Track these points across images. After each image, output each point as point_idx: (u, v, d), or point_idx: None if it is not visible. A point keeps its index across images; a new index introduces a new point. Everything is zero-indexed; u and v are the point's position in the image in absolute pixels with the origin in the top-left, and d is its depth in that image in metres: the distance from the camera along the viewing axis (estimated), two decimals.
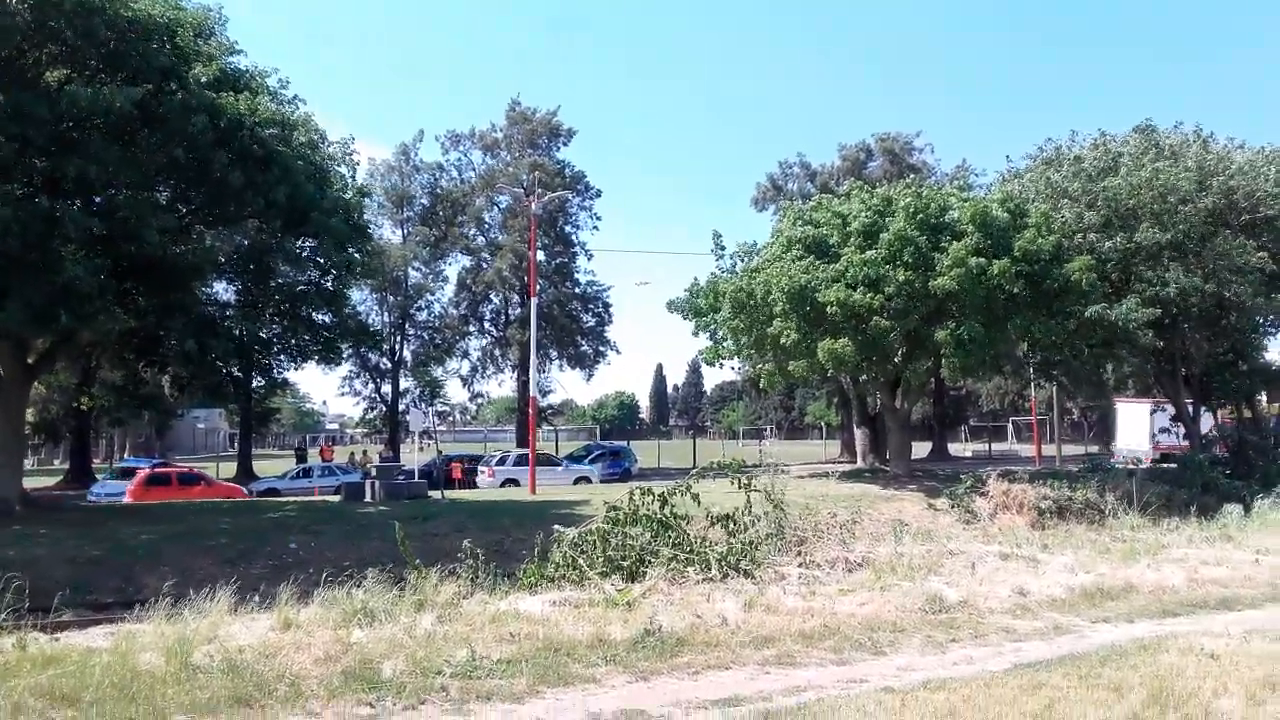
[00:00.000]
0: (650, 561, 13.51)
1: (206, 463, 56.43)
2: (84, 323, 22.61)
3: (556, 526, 15.07)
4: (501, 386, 68.03)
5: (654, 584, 12.42)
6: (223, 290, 37.91)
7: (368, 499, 29.25)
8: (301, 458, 51.63)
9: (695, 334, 35.64)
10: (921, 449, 54.70)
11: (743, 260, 34.35)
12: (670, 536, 14.19)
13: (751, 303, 30.39)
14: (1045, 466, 38.60)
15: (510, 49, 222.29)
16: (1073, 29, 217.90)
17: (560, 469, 40.24)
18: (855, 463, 47.00)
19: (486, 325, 60.95)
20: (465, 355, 61.10)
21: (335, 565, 16.21)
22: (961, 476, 29.07)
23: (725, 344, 34.56)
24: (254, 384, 39.97)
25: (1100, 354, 32.42)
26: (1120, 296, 30.99)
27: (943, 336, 28.17)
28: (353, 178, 31.45)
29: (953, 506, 26.82)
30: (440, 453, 45.98)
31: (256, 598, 11.26)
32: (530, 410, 38.77)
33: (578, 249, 59.29)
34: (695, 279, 35.57)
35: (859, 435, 49.72)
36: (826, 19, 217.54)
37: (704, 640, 10.10)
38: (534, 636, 9.80)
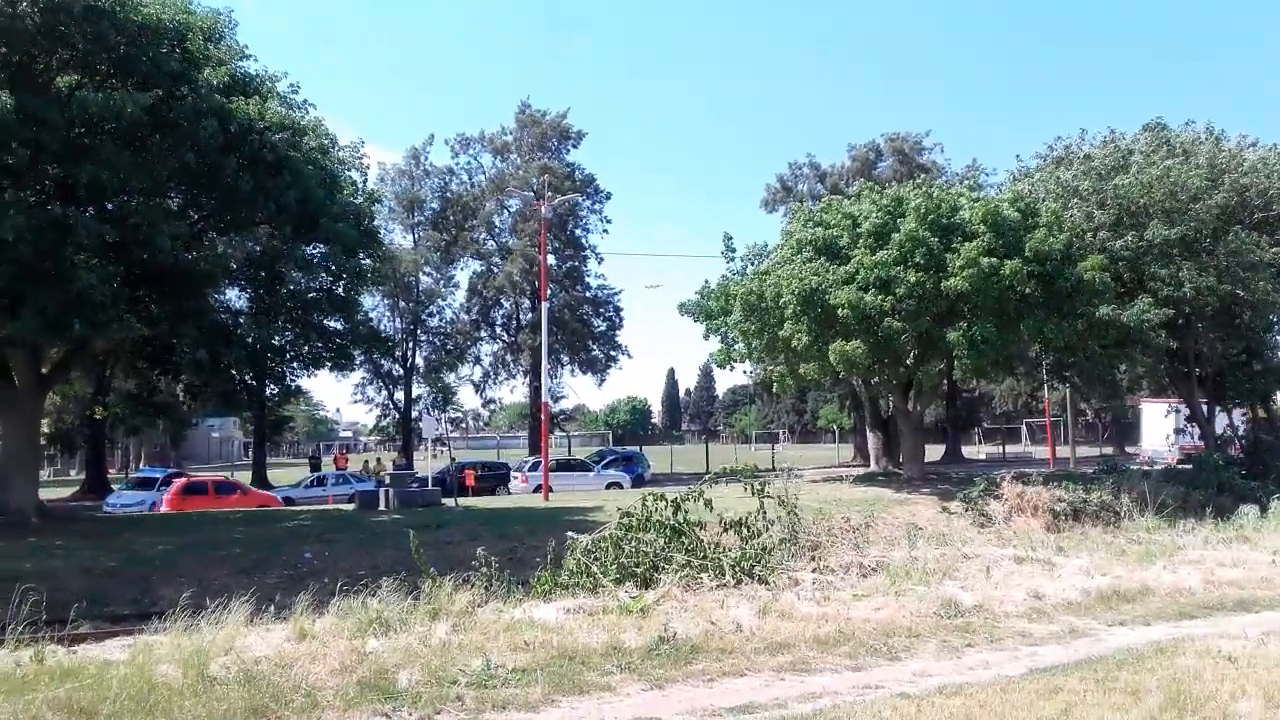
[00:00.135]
0: (664, 568, 13.49)
1: (221, 472, 56.67)
2: (98, 331, 22.66)
3: (570, 533, 15.06)
4: (514, 392, 68.32)
5: (668, 590, 12.41)
6: (235, 297, 38.04)
7: (381, 507, 29.28)
8: (315, 466, 51.71)
9: (706, 337, 35.63)
10: (935, 452, 54.63)
11: (753, 262, 34.34)
12: (683, 542, 14.17)
13: (762, 305, 30.37)
14: (1060, 468, 38.47)
15: (517, 51, 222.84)
16: (1081, 27, 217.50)
17: (592, 474, 40.31)
18: (868, 466, 46.92)
19: (498, 330, 61.09)
20: (477, 361, 61.31)
21: (350, 574, 16.25)
22: (975, 479, 28.95)
23: (736, 347, 34.54)
24: (267, 391, 40.04)
25: (1113, 355, 32.28)
26: (1132, 296, 30.88)
27: (955, 337, 28.08)
28: (363, 182, 31.52)
29: (967, 510, 26.69)
30: (453, 460, 46.03)
31: (272, 608, 11.28)
32: (542, 416, 38.78)
33: (588, 252, 59.45)
34: (706, 281, 35.59)
35: (872, 439, 49.66)
36: (835, 19, 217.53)
37: (718, 647, 10.08)
38: (548, 645, 9.80)
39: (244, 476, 47.51)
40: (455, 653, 9.42)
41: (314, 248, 30.89)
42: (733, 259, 35.35)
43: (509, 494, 39.05)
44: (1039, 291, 28.77)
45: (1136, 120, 54.21)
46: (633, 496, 16.54)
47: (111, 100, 20.99)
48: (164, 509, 33.35)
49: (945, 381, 44.83)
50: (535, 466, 40.72)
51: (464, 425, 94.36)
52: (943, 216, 29.50)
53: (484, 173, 60.76)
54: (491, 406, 68.83)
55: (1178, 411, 41.94)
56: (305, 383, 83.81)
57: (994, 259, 27.69)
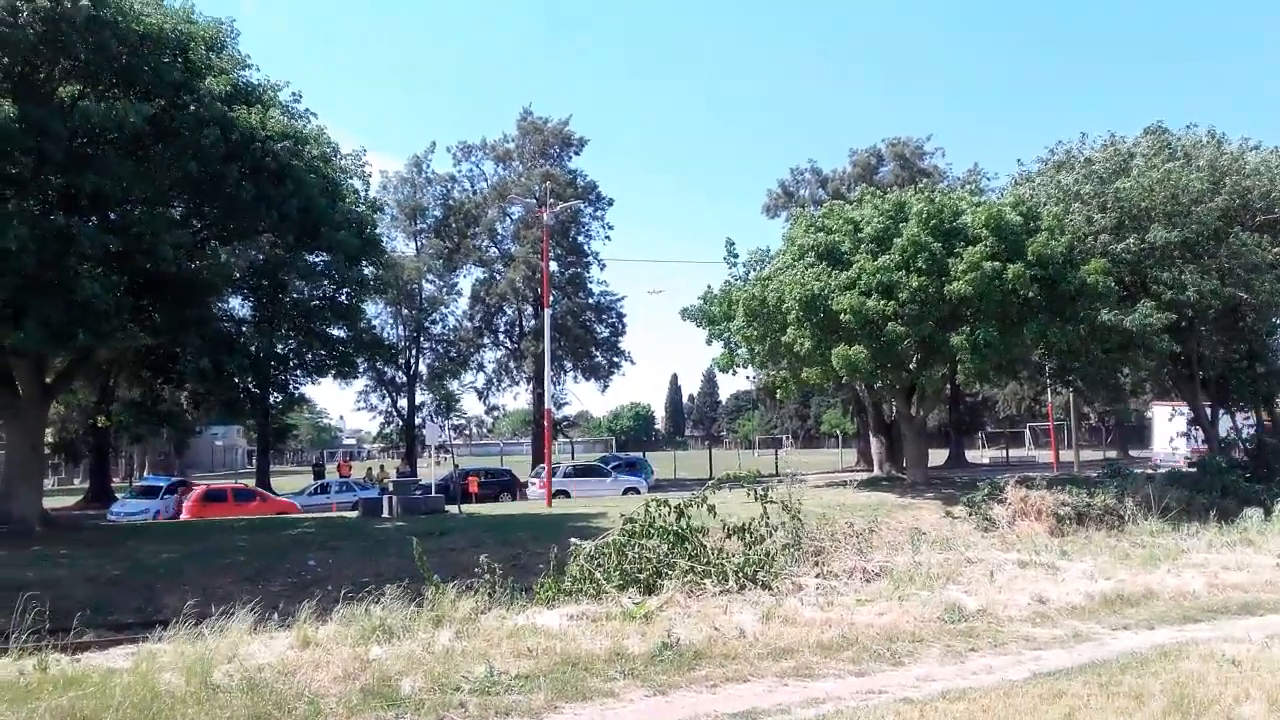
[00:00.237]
0: (667, 574, 13.49)
1: (225, 480, 56.69)
2: (101, 341, 22.72)
3: (573, 540, 15.06)
4: (517, 399, 68.16)
5: (671, 596, 12.41)
6: (238, 306, 38.16)
7: (385, 514, 29.25)
8: (319, 474, 51.73)
9: (709, 342, 35.71)
10: (938, 456, 54.56)
11: (756, 268, 34.39)
12: (687, 548, 14.16)
13: (765, 310, 30.39)
14: (1063, 472, 38.43)
15: (519, 58, 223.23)
16: (1081, 30, 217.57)
17: (609, 480, 40.30)
18: (871, 471, 46.90)
19: (501, 337, 61.10)
20: (480, 368, 61.28)
21: (353, 582, 16.27)
22: (979, 484, 28.97)
23: (739, 352, 34.56)
24: (271, 399, 40.10)
25: (1116, 359, 32.26)
26: (1134, 300, 30.87)
27: (958, 342, 28.06)
28: (365, 191, 31.54)
29: (970, 514, 26.68)
30: (457, 467, 46.03)
31: (276, 615, 11.28)
32: (546, 422, 38.78)
33: (590, 259, 59.38)
34: (709, 287, 35.68)
35: (875, 443, 49.63)
36: (836, 24, 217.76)
37: (722, 653, 10.08)
38: (551, 651, 9.80)
39: (248, 484, 47.58)
40: (458, 659, 9.42)
41: (316, 256, 30.95)
42: (735, 264, 35.45)
43: (513, 500, 39.02)
44: (1042, 295, 28.77)
45: (1138, 123, 54.43)
46: (631, 503, 16.55)
47: (114, 110, 21.06)
48: (185, 516, 33.56)
49: (948, 386, 44.84)
50: (553, 473, 40.80)
51: (467, 432, 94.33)
52: (945, 221, 29.51)
53: (486, 180, 60.84)
54: (495, 413, 68.95)
55: (1183, 414, 41.86)
56: (308, 390, 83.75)
57: (997, 263, 27.69)
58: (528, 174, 58.10)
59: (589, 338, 59.18)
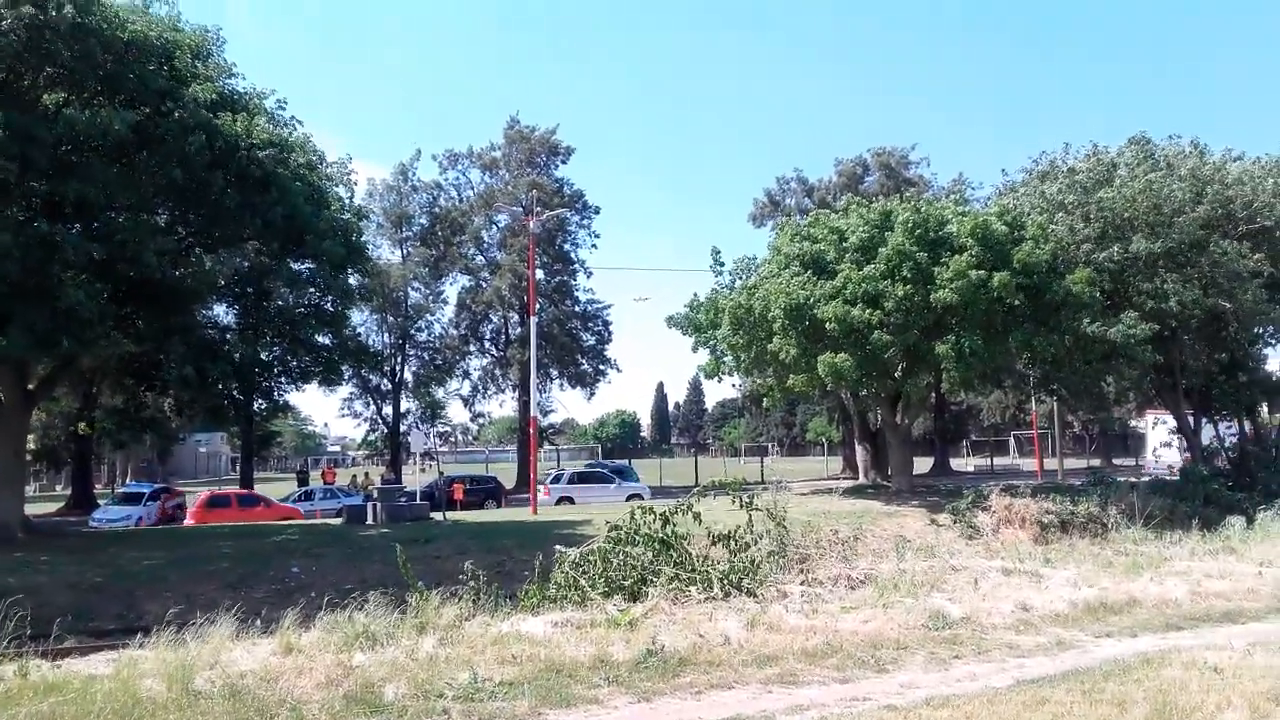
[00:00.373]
0: (652, 581, 13.46)
1: (208, 487, 56.41)
2: (85, 348, 22.64)
3: (558, 547, 15.03)
4: (502, 406, 68.12)
5: (656, 603, 12.39)
6: (223, 313, 38.04)
7: (369, 521, 29.18)
8: (303, 481, 51.55)
9: (695, 349, 35.67)
10: (923, 464, 54.69)
11: (742, 276, 34.41)
12: (672, 555, 14.14)
13: (751, 319, 30.42)
14: (1047, 481, 38.54)
15: (505, 67, 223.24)
16: (1066, 42, 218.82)
17: (613, 486, 40.28)
18: (857, 479, 46.98)
19: (487, 345, 61.04)
20: (466, 375, 61.21)
21: (337, 588, 16.22)
22: (964, 492, 29.03)
23: (725, 359, 34.58)
24: (255, 406, 39.97)
25: (1099, 369, 32.36)
26: (1118, 310, 30.98)
27: (944, 350, 28.11)
28: (350, 198, 31.46)
29: (955, 522, 26.75)
30: (442, 474, 45.94)
31: (259, 622, 11.23)
32: (531, 430, 38.75)
33: (577, 267, 59.44)
34: (695, 295, 35.65)
35: (860, 451, 49.74)
36: (822, 34, 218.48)
37: (707, 660, 10.08)
38: (536, 658, 9.78)
39: (252, 490, 47.39)
40: (442, 666, 9.39)
41: (302, 264, 30.86)
42: (721, 273, 35.47)
43: (498, 507, 38.96)
44: (1027, 304, 28.88)
45: (1122, 134, 54.75)
46: (617, 510, 16.55)
47: (98, 117, 20.98)
48: (189, 521, 33.60)
49: (933, 394, 44.94)
50: (558, 479, 40.81)
51: (452, 439, 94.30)
52: (930, 230, 29.58)
53: (473, 188, 60.82)
54: (480, 421, 68.84)
55: (1164, 423, 42.00)
56: (293, 397, 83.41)
57: (983, 272, 27.77)
58: (514, 182, 58.08)
59: (575, 345, 59.20)
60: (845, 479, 49.82)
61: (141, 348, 26.69)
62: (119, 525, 33.60)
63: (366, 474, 52.77)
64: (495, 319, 60.13)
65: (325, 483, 46.19)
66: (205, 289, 28.04)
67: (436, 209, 59.66)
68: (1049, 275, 29.37)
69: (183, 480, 67.64)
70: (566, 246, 59.26)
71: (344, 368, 40.05)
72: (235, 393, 35.37)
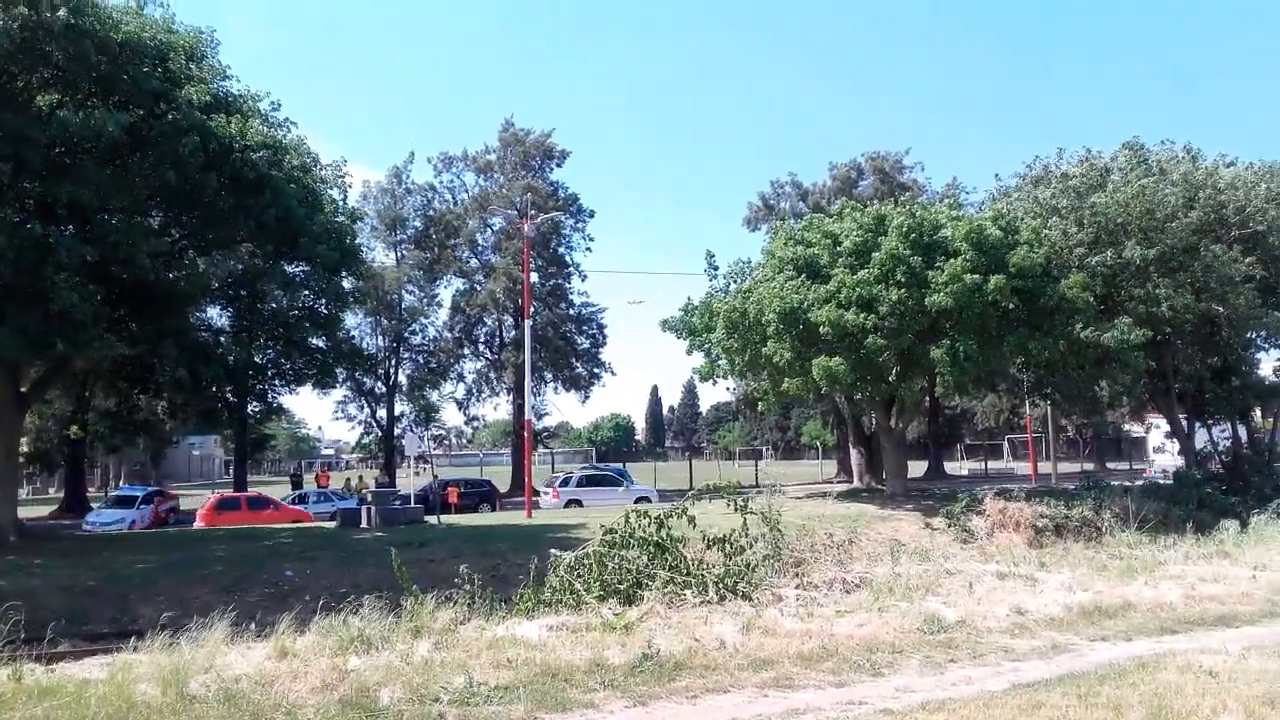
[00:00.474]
0: (647, 584, 13.45)
1: (202, 490, 56.35)
2: (79, 350, 22.57)
3: (553, 550, 15.01)
4: (497, 410, 68.21)
5: (651, 607, 12.37)
6: (216, 316, 37.98)
7: (363, 525, 29.10)
8: (297, 484, 51.36)
9: (690, 353, 35.68)
10: (917, 468, 54.77)
11: (736, 280, 34.43)
12: (667, 559, 14.13)
13: (745, 323, 30.45)
14: (1041, 484, 38.60)
15: (500, 68, 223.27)
16: (1062, 49, 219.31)
17: (621, 489, 40.21)
18: (851, 482, 46.98)
19: (481, 348, 60.94)
20: (460, 378, 61.14)
21: (331, 592, 16.19)
22: (958, 495, 29.06)
23: (720, 363, 34.58)
24: (249, 409, 39.90)
25: (1093, 374, 32.40)
26: (1112, 315, 31.02)
27: (938, 355, 28.13)
28: (344, 201, 31.40)
29: (949, 526, 26.77)
30: (436, 477, 45.88)
31: (253, 626, 11.19)
32: (526, 433, 38.71)
33: (571, 270, 59.43)
34: (689, 298, 35.69)
35: (855, 455, 49.73)
36: (816, 39, 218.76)
37: (702, 663, 10.06)
38: (531, 662, 9.75)
39: (262, 493, 47.31)
40: (437, 670, 9.36)
41: (295, 266, 30.80)
42: (715, 276, 35.48)
43: (492, 511, 38.91)
44: (1022, 308, 28.92)
45: (1116, 140, 54.68)
46: (611, 514, 16.52)
47: (92, 120, 20.94)
48: (199, 524, 33.64)
49: (927, 398, 44.97)
50: (566, 482, 40.73)
51: (447, 442, 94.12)
52: (925, 235, 29.61)
53: (467, 191, 60.84)
54: (475, 424, 68.77)
55: (1202, 426, 41.91)
56: (287, 400, 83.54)
57: (978, 276, 27.80)
58: (509, 185, 58.07)
59: (569, 349, 59.15)
60: (840, 483, 49.83)
61: (135, 350, 26.62)
62: (112, 528, 33.45)
63: (360, 477, 52.73)
64: (489, 322, 60.10)
65: (319, 486, 46.08)
66: (199, 291, 27.99)
67: (431, 212, 59.65)
68: (1043, 279, 29.45)
69: (176, 483, 67.60)
70: (561, 250, 59.24)
71: (338, 371, 39.94)
72: (229, 395, 35.31)
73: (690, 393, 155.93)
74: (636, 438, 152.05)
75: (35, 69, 22.17)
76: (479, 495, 41.19)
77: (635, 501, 35.28)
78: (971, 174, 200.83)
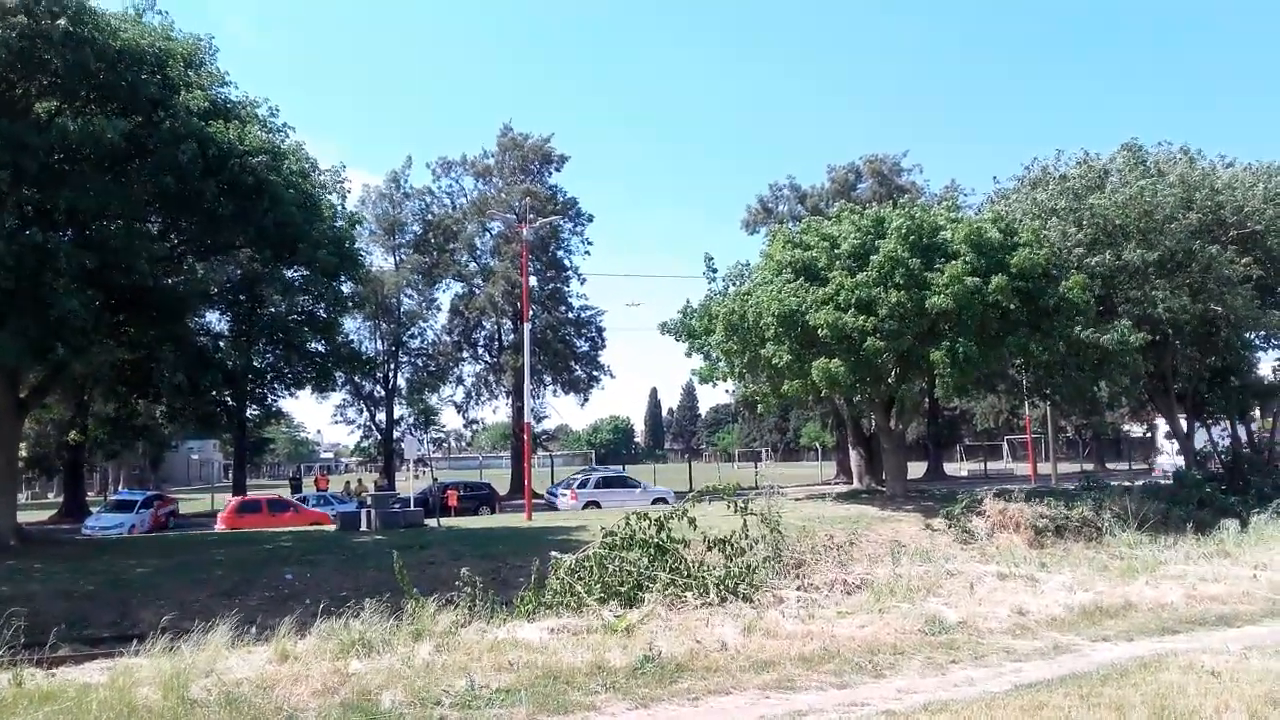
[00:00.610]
0: (648, 587, 13.44)
1: (201, 494, 56.33)
2: (78, 355, 22.56)
3: (553, 553, 15.02)
4: (496, 413, 68.17)
5: (652, 609, 12.35)
6: (216, 321, 37.94)
7: (363, 528, 29.09)
8: (296, 487, 51.29)
9: (689, 355, 35.73)
10: (917, 469, 54.75)
11: (735, 282, 34.45)
12: (667, 561, 14.13)
13: (744, 325, 30.45)
14: (1041, 485, 38.59)
15: (499, 73, 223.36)
16: (1060, 52, 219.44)
17: (638, 490, 40.20)
18: (851, 484, 47.00)
19: (480, 351, 60.90)
20: (459, 382, 61.07)
21: (332, 595, 16.21)
22: (958, 496, 29.04)
23: (720, 365, 34.59)
24: (248, 413, 39.86)
25: (1092, 375, 32.39)
26: (1111, 316, 31.04)
27: (938, 356, 28.12)
28: (343, 206, 31.39)
29: (950, 526, 26.76)
30: (436, 480, 45.84)
31: (254, 629, 11.20)
32: (525, 436, 38.69)
33: (570, 273, 59.39)
34: (688, 301, 35.78)
35: (854, 456, 49.73)
36: (814, 42, 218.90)
37: (703, 665, 10.05)
38: (532, 664, 9.75)
39: (224, 498, 47.22)
40: (439, 673, 9.36)
41: (295, 271, 30.77)
42: (714, 279, 35.50)
43: (492, 514, 38.86)
44: (1021, 309, 28.92)
45: (1114, 143, 54.75)
46: (611, 517, 16.52)
47: (91, 126, 20.98)
48: (220, 526, 33.75)
49: (927, 399, 44.98)
50: (584, 484, 40.67)
51: (446, 446, 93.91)
52: (924, 237, 29.61)
53: (466, 195, 60.77)
54: (474, 427, 68.76)
55: (1203, 426, 41.90)
56: (286, 404, 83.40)
57: (977, 278, 27.80)
58: (508, 190, 58.05)
59: (568, 352, 59.07)
60: (839, 484, 49.86)
61: (134, 355, 26.63)
62: (112, 533, 33.42)
63: (360, 480, 52.69)
64: (488, 325, 60.06)
65: (318, 489, 46.04)
66: (198, 297, 27.99)
67: (430, 216, 59.61)
68: (1044, 280, 29.44)
69: (175, 487, 67.56)
70: (560, 253, 59.20)
71: (337, 374, 39.92)
72: (228, 400, 35.25)
73: (689, 395, 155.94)
74: (635, 440, 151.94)
75: (34, 76, 22.19)
76: (478, 498, 41.14)
77: (653, 503, 35.38)
78: (970, 176, 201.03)
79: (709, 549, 15.09)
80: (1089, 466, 60.65)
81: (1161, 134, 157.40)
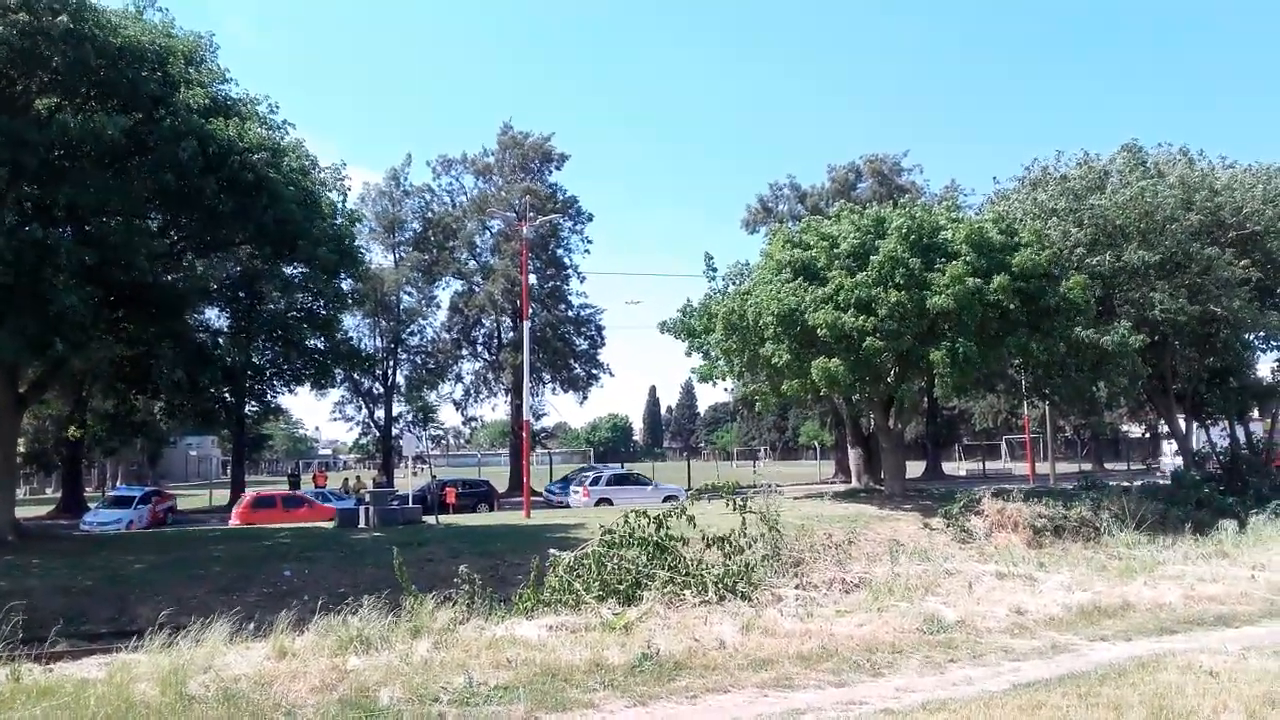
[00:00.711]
0: (646, 584, 13.42)
1: (199, 490, 56.29)
2: (77, 351, 22.56)
3: (552, 550, 15.01)
4: (495, 410, 68.07)
5: (650, 607, 12.34)
6: (215, 317, 37.94)
7: (362, 525, 29.08)
8: (295, 484, 51.27)
9: (689, 354, 35.75)
10: (916, 468, 54.76)
11: (735, 281, 34.46)
12: (666, 559, 14.10)
13: (743, 324, 30.45)
14: (1040, 485, 38.58)
15: (500, 72, 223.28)
16: (1060, 52, 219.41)
17: (650, 488, 40.14)
18: (850, 483, 46.95)
19: (479, 349, 60.89)
20: (458, 379, 61.07)
21: (330, 592, 16.18)
22: (956, 496, 29.01)
23: (718, 364, 34.60)
24: (247, 410, 39.85)
25: (1091, 375, 32.40)
26: (1110, 316, 31.05)
27: (937, 356, 28.11)
28: (343, 203, 31.39)
29: (948, 526, 26.74)
30: (434, 477, 45.82)
31: (252, 626, 11.17)
32: (524, 434, 38.68)
33: (570, 272, 59.39)
34: (688, 300, 35.77)
35: (853, 455, 49.70)
36: (815, 42, 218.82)
37: (702, 663, 10.03)
38: (531, 662, 9.73)
39: (223, 495, 47.25)
40: (437, 670, 9.35)
41: (294, 268, 30.78)
42: (714, 278, 35.51)
43: (490, 511, 38.86)
44: (1021, 309, 28.91)
45: (1114, 144, 54.79)
46: (609, 514, 16.52)
47: (91, 123, 20.98)
48: (234, 522, 33.80)
49: (926, 399, 44.97)
50: (596, 481, 40.60)
51: (445, 443, 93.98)
52: (924, 237, 29.60)
53: (466, 193, 60.77)
54: (473, 424, 68.72)
55: (1206, 426, 41.87)
56: (284, 401, 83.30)
57: (978, 278, 27.80)
58: (508, 188, 58.02)
59: (568, 350, 59.05)
60: (838, 483, 49.85)
61: (133, 351, 26.62)
62: (110, 529, 33.41)
63: (358, 477, 52.67)
64: (488, 323, 60.04)
65: (316, 486, 46.01)
66: (197, 293, 28.01)
67: (430, 214, 59.61)
68: (1044, 280, 29.44)
69: (173, 483, 67.47)
70: (559, 252, 59.19)
71: (336, 371, 39.94)
72: (226, 396, 35.26)
73: (688, 393, 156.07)
74: (634, 438, 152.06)
75: (35, 73, 22.20)
76: (477, 495, 41.16)
77: (664, 500, 35.31)
78: (970, 176, 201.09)
79: (708, 547, 15.06)
80: (1087, 466, 60.68)
81: (1161, 134, 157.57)
